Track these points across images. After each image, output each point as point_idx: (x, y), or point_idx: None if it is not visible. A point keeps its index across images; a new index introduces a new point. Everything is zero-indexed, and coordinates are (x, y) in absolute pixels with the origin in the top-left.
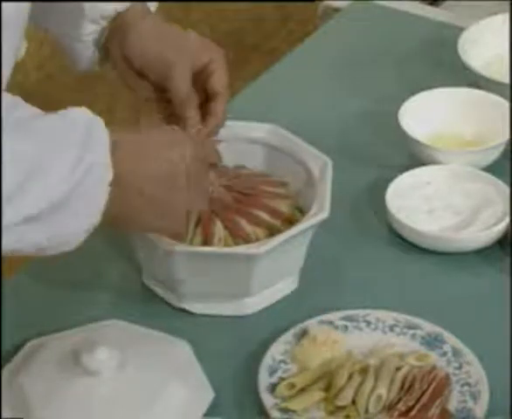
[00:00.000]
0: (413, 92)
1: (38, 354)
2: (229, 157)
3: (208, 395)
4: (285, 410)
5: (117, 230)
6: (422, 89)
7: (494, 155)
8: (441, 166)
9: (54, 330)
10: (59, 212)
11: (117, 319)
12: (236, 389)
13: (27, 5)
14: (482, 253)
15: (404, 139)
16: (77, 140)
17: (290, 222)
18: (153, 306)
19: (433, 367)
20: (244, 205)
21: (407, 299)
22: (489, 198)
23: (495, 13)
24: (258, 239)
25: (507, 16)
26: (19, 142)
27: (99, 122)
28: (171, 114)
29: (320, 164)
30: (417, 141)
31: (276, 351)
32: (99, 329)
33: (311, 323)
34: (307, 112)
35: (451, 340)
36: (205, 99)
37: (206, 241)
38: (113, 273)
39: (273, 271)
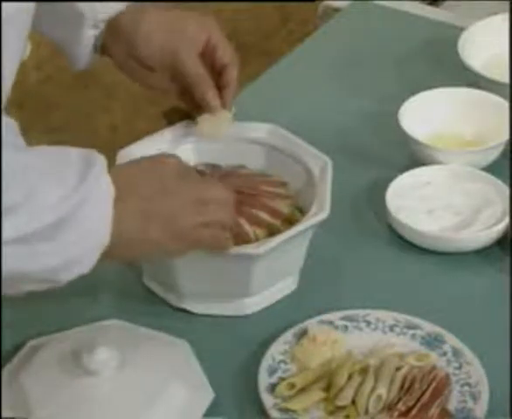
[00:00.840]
0: (413, 92)
1: (38, 354)
2: (229, 157)
3: (208, 395)
4: (285, 410)
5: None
6: (422, 89)
7: (493, 155)
8: (441, 166)
9: (54, 330)
10: (67, 228)
11: (117, 319)
12: (236, 389)
13: (31, 6)
14: (482, 253)
15: (404, 139)
16: (77, 161)
17: (290, 222)
18: (153, 306)
19: (433, 367)
20: (244, 205)
21: (407, 299)
22: (489, 198)
23: (495, 13)
24: (258, 239)
25: (507, 16)
26: (23, 158)
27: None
28: (191, 100)
29: (320, 164)
30: (417, 141)
31: (276, 351)
32: (99, 329)
33: (311, 323)
34: (307, 112)
35: (451, 340)
36: (217, 73)
37: None
38: (113, 273)
39: (272, 271)
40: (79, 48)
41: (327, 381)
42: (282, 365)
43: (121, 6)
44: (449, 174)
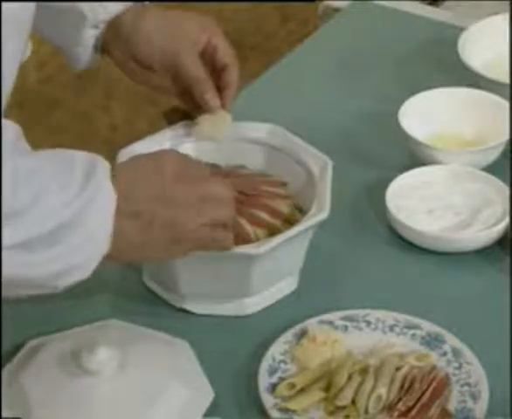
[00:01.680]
0: (413, 92)
1: (38, 354)
2: (229, 157)
3: (208, 395)
4: (285, 410)
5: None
6: (422, 89)
7: (493, 155)
8: (441, 166)
9: (54, 330)
10: (70, 233)
11: (117, 319)
12: (236, 389)
13: (31, 6)
14: (482, 253)
15: (404, 139)
16: (80, 166)
17: (290, 222)
18: (153, 307)
19: (433, 367)
20: (244, 205)
21: (407, 299)
22: (489, 198)
23: (495, 13)
24: (258, 239)
25: (507, 16)
26: (28, 163)
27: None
28: (192, 100)
29: (320, 164)
30: (417, 141)
31: (276, 351)
32: (99, 329)
33: (311, 323)
34: (307, 112)
35: (451, 339)
36: (217, 74)
37: None
38: (113, 273)
39: (272, 271)
40: (79, 48)
41: (327, 381)
42: (282, 365)
43: (121, 6)
44: (449, 174)
